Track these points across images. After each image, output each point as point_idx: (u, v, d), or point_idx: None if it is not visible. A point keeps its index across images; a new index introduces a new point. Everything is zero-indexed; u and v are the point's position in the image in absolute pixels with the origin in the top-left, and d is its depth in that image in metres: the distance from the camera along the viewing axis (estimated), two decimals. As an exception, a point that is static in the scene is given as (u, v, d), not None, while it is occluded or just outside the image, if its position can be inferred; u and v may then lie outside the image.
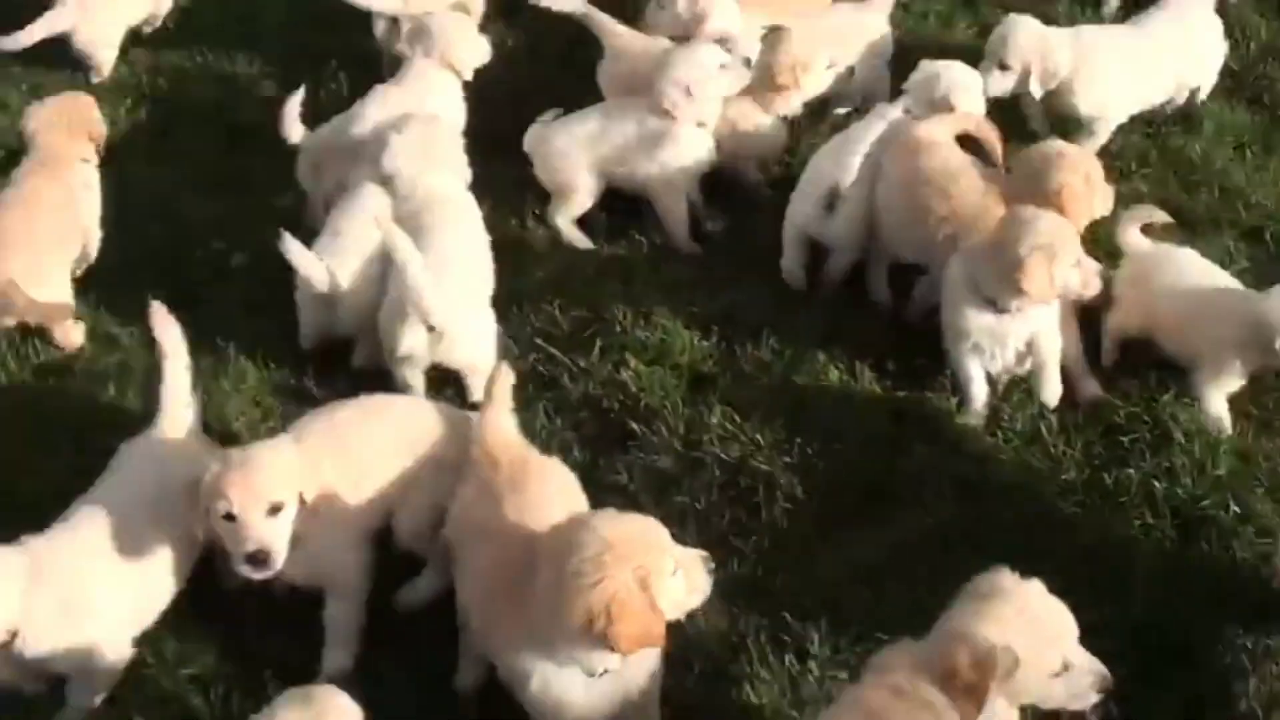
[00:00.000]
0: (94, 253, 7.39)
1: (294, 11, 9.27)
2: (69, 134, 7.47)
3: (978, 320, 6.09)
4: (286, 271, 6.65)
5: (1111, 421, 6.16)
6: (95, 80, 8.90)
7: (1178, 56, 7.71)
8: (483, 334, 6.40)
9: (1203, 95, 7.92)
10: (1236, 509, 5.73)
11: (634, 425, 6.24)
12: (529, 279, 6.99)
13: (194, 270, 7.35)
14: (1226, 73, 8.16)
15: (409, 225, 6.34)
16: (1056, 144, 6.71)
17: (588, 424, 6.33)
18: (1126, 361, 6.44)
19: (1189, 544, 5.66)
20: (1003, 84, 7.40)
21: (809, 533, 5.80)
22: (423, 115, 7.02)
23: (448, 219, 6.57)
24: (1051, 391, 6.24)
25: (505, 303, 6.69)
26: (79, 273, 7.26)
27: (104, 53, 8.97)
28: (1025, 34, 7.37)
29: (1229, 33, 8.40)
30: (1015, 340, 6.15)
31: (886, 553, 5.67)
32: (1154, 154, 7.67)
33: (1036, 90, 7.32)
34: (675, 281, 6.95)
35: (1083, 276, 5.95)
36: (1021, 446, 6.08)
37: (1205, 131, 7.78)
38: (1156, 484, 5.83)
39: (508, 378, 5.51)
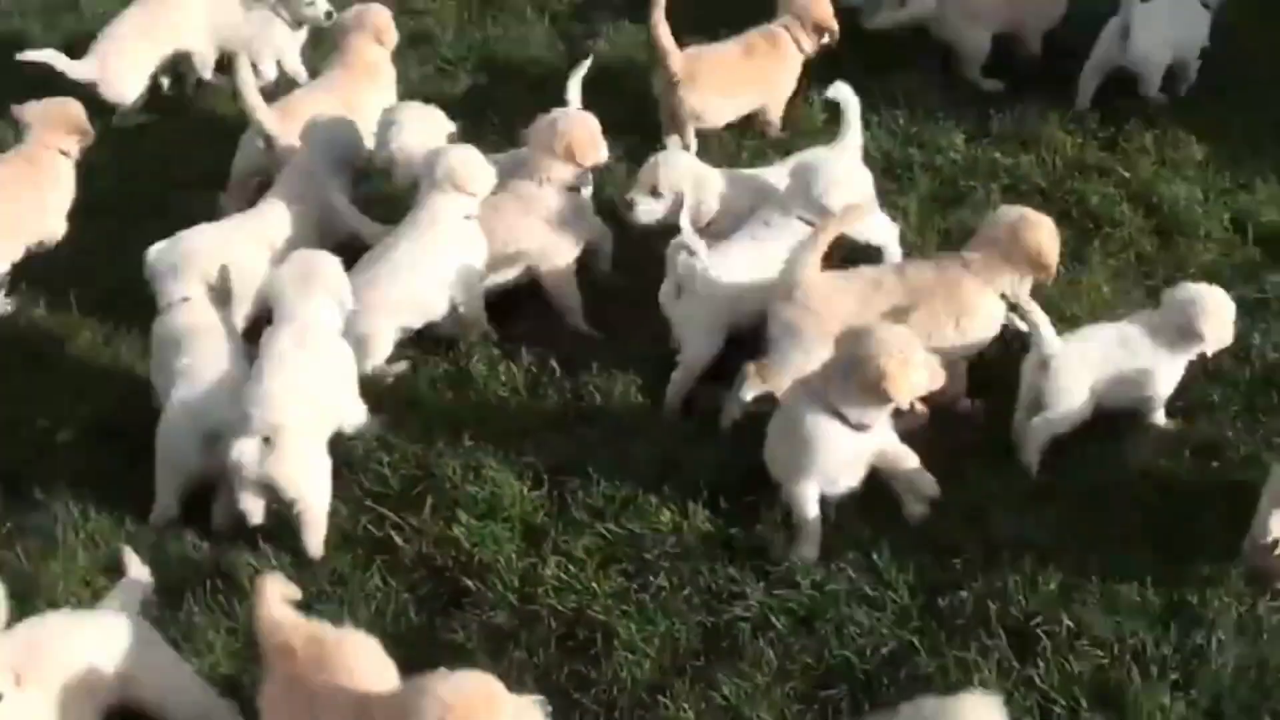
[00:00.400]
0: (52, 242, 8.35)
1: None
2: (56, 127, 8.40)
3: (842, 444, 6.17)
4: (113, 443, 6.76)
5: (941, 543, 6.22)
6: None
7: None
8: (314, 464, 6.41)
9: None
10: (1070, 623, 5.78)
11: (468, 582, 6.17)
12: (356, 437, 6.91)
13: (16, 449, 7.21)
14: (1035, 190, 8.36)
15: (268, 339, 6.70)
16: (1014, 209, 7.08)
17: (422, 584, 6.26)
18: (955, 477, 6.50)
19: (1025, 661, 5.68)
20: (653, 210, 7.64)
21: (651, 683, 5.73)
22: (310, 252, 7.05)
23: (305, 341, 6.62)
24: (929, 481, 6.37)
25: (334, 464, 6.59)
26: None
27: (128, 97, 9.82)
28: (678, 164, 7.64)
29: (1036, 150, 8.65)
30: (868, 457, 6.27)
31: (731, 700, 5.61)
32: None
33: (686, 221, 7.25)
34: (504, 431, 6.89)
35: (930, 373, 6.11)
36: (856, 576, 6.08)
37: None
38: (990, 604, 5.87)
39: (275, 585, 5.44)
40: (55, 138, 8.41)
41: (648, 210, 7.65)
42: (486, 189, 7.43)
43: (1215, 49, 9.42)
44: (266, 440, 6.20)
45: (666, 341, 7.26)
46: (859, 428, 6.14)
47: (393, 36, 9.16)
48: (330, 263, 6.95)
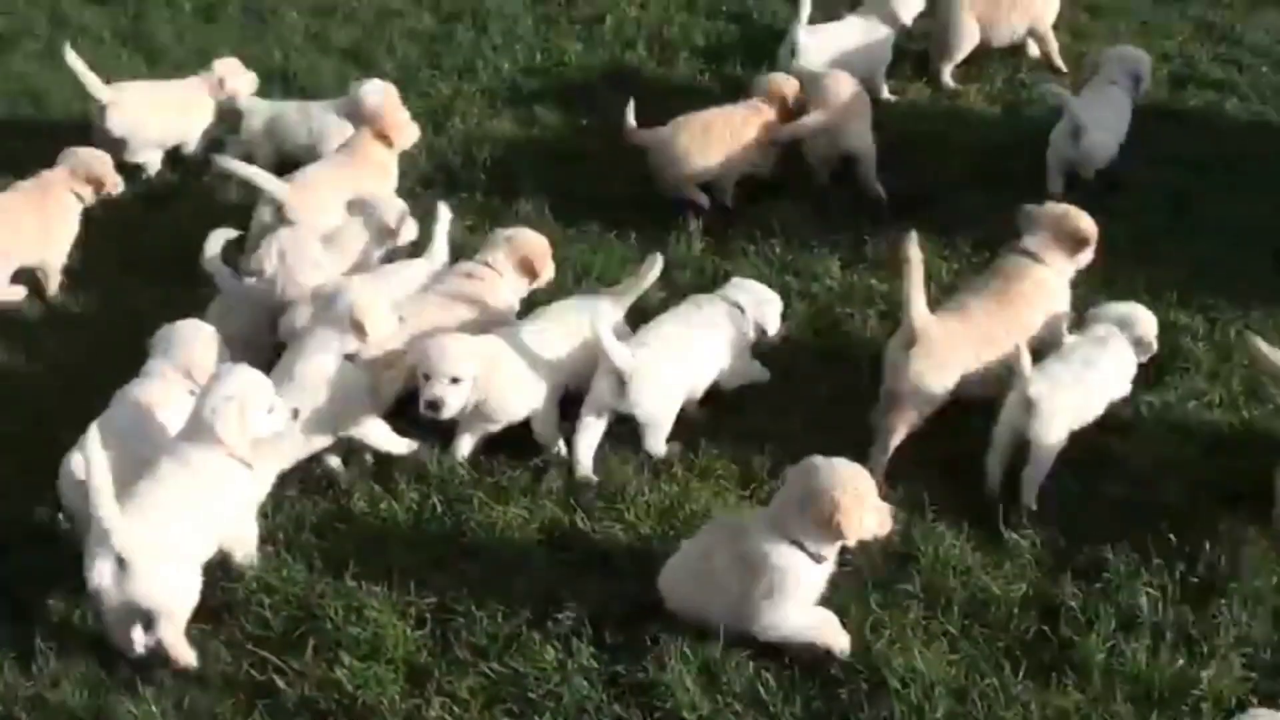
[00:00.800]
0: (53, 275, 9.16)
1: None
2: (79, 172, 9.23)
3: (810, 574, 6.21)
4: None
5: (827, 674, 6.21)
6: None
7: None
8: (175, 578, 6.31)
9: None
10: (957, 750, 5.80)
11: (352, 726, 6.09)
12: (237, 580, 6.78)
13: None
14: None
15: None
16: (1058, 206, 8.26)
17: (306, 728, 6.16)
18: (840, 606, 6.47)
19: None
20: (459, 398, 7.29)
21: (537, 824, 5.68)
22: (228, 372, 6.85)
23: (192, 462, 6.53)
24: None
25: (213, 610, 6.53)
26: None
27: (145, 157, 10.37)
28: (458, 346, 7.34)
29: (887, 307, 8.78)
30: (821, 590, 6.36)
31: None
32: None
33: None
34: (386, 570, 6.78)
35: (879, 519, 6.21)
36: (743, 710, 6.05)
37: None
38: (877, 734, 5.88)
39: None
40: (76, 181, 9.20)
41: (456, 400, 7.29)
42: (384, 336, 7.45)
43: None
44: (121, 562, 6.10)
45: (543, 477, 7.36)
46: (816, 558, 6.16)
47: (404, 138, 9.61)
48: (240, 384, 6.73)
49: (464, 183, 10.15)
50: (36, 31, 12.35)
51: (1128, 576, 6.65)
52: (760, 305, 7.97)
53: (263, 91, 10.66)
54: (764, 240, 9.23)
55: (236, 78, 10.65)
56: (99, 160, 9.33)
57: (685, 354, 7.60)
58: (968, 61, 11.45)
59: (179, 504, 6.39)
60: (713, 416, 7.77)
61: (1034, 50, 11.68)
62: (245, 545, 6.86)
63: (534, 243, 8.28)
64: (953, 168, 10.08)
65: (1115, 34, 12.02)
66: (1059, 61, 11.53)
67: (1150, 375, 7.95)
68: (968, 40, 11.33)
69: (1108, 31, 12.19)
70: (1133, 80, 10.21)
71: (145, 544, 6.14)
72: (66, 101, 10.98)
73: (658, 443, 7.49)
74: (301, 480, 7.40)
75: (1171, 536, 6.84)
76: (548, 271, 8.32)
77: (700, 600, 6.33)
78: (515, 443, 7.54)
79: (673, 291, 8.51)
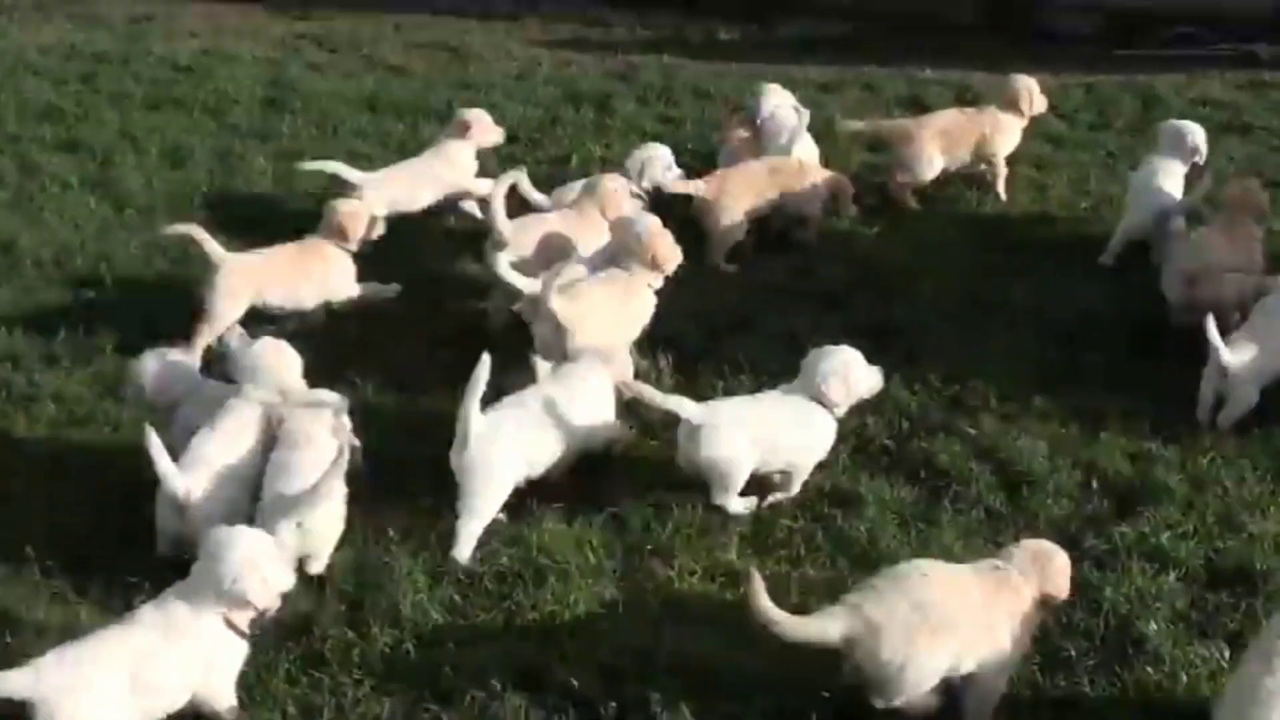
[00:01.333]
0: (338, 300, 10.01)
1: None
2: (329, 229, 10.04)
3: None
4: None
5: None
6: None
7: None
8: None
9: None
10: None
11: None
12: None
13: None
14: (882, 450, 8.46)
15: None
16: (1234, 183, 10.52)
17: None
18: None
19: None
20: None
21: None
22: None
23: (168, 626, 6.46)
24: None
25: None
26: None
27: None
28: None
29: (880, 410, 8.76)
30: None
31: None
32: (820, 537, 7.83)
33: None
34: (360, 716, 6.69)
35: None
36: None
37: (869, 511, 7.95)
38: None
39: None
40: (333, 235, 10.03)
41: None
42: None
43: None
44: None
45: (517, 618, 7.27)
46: None
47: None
48: (252, 547, 6.69)
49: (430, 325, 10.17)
50: (6, 179, 12.36)
51: (1105, 712, 6.64)
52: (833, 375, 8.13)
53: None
54: (733, 376, 9.23)
55: (486, 133, 11.40)
56: (349, 215, 10.06)
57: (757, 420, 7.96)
58: (934, 192, 11.60)
59: (134, 662, 6.31)
60: (685, 550, 7.72)
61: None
62: (217, 705, 6.73)
63: (660, 237, 9.21)
64: (920, 297, 10.13)
65: (1078, 164, 12.21)
66: (1002, 191, 11.85)
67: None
68: (930, 169, 11.56)
69: (1070, 162, 12.37)
70: (1185, 150, 10.94)
71: (70, 687, 6.11)
72: (36, 248, 10.99)
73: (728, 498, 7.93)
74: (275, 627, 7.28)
75: (1149, 669, 6.83)
76: (674, 261, 9.25)
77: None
78: (488, 585, 7.48)
79: (638, 428, 8.57)
